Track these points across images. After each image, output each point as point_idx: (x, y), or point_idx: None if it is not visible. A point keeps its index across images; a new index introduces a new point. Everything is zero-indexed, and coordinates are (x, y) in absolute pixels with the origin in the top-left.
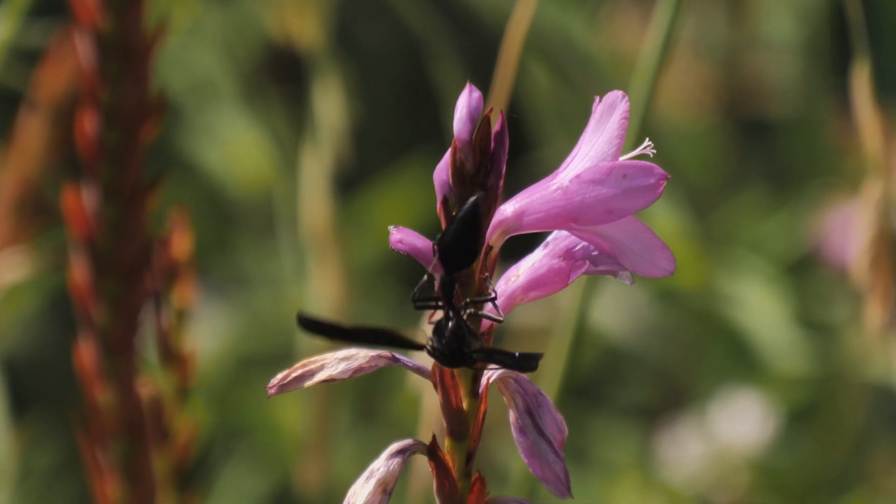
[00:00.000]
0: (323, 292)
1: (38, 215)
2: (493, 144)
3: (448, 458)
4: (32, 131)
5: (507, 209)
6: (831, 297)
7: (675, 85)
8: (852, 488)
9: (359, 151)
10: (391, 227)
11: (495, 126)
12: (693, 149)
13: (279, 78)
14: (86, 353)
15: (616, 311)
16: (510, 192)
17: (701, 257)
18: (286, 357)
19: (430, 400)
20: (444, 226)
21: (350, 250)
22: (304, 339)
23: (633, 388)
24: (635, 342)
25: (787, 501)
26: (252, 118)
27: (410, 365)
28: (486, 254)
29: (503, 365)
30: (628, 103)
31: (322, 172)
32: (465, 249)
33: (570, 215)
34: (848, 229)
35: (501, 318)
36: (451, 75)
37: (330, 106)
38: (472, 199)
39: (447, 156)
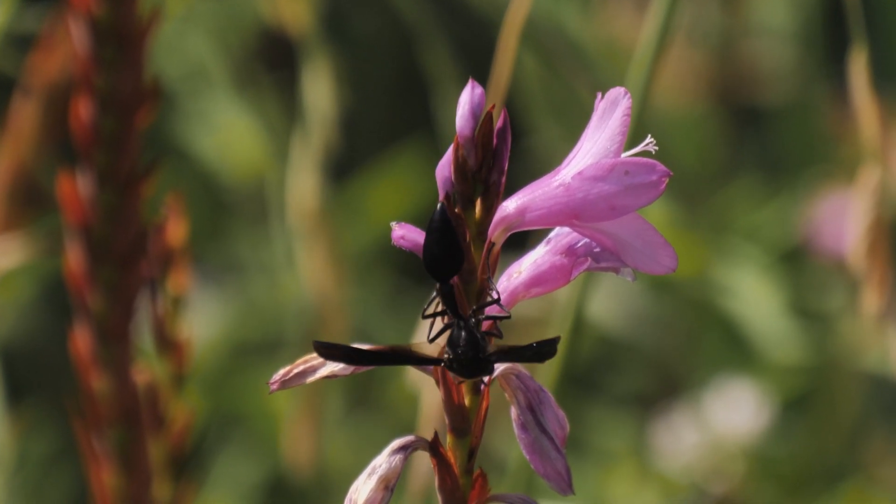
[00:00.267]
0: (313, 279)
1: (32, 201)
2: (495, 141)
3: (450, 455)
4: (27, 117)
5: (510, 206)
6: (826, 285)
7: (670, 73)
8: (847, 477)
9: (350, 139)
10: (393, 224)
11: (497, 122)
12: (687, 137)
13: (272, 65)
14: (81, 340)
15: (611, 300)
16: None
17: (696, 246)
18: (280, 344)
19: (430, 396)
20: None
21: (343, 238)
22: (298, 327)
23: (628, 377)
24: (630, 331)
25: (782, 490)
26: (245, 105)
27: None
28: (489, 251)
29: (522, 359)
30: (630, 100)
31: (312, 159)
32: (445, 258)
33: (572, 212)
34: (843, 217)
35: (508, 314)
36: (442, 63)
37: (321, 93)
38: (437, 207)
39: (449, 152)
